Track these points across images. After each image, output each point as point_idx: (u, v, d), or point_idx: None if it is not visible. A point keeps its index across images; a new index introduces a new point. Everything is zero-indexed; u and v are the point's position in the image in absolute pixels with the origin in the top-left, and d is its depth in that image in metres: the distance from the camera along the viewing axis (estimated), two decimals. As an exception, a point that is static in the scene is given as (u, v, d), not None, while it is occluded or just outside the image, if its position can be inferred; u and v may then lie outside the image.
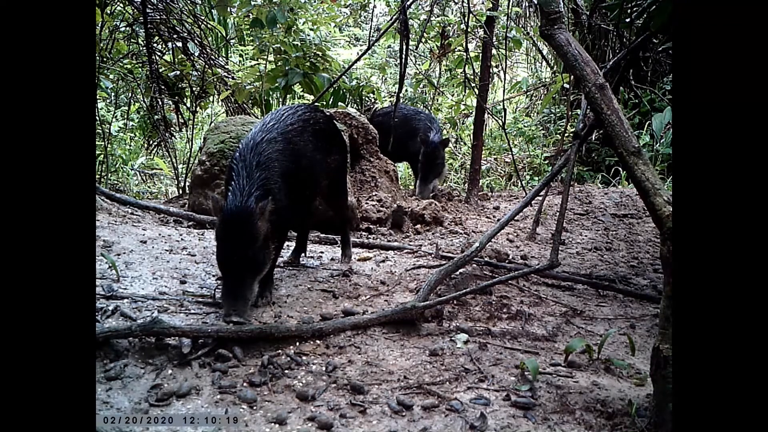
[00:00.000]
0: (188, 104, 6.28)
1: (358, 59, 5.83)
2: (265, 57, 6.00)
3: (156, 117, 5.99)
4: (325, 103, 6.60)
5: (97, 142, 5.02)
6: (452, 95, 8.00)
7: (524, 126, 7.63)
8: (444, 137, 5.71)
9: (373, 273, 3.00)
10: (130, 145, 6.27)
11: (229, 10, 6.22)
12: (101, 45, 5.43)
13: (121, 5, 5.66)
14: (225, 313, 2.21)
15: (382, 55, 8.51)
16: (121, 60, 6.01)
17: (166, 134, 6.01)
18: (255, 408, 1.74)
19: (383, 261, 3.27)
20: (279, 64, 5.90)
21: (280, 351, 2.07)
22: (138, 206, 4.15)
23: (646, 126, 6.60)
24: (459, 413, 1.72)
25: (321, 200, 3.16)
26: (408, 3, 5.29)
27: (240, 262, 2.27)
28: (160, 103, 5.75)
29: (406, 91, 7.59)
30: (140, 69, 6.04)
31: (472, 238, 3.90)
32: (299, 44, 5.85)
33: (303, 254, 3.21)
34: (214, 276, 2.78)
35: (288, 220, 2.61)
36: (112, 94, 6.59)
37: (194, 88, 5.91)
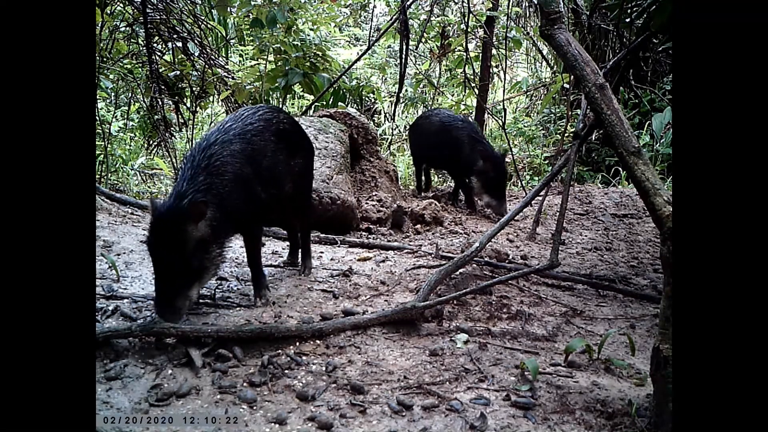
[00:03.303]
0: (188, 104, 6.28)
1: (358, 59, 5.84)
2: (265, 57, 6.00)
3: (156, 117, 5.99)
4: (325, 103, 6.61)
5: (97, 142, 5.02)
6: (452, 95, 8.01)
7: (524, 126, 7.63)
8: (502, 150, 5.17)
9: (373, 273, 3.00)
10: (130, 145, 6.26)
11: (229, 10, 6.22)
12: (101, 45, 5.43)
13: (121, 5, 5.66)
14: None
15: (382, 55, 8.52)
16: (121, 60, 6.01)
17: (166, 134, 6.01)
18: (255, 408, 1.74)
19: (383, 261, 3.27)
20: (279, 64, 5.91)
21: (280, 351, 2.07)
22: (138, 206, 4.15)
23: (646, 126, 6.60)
24: (459, 413, 1.72)
25: (286, 206, 2.91)
26: (408, 3, 5.30)
27: (171, 269, 2.12)
28: (160, 103, 5.75)
29: (406, 91, 7.60)
30: (140, 69, 6.03)
31: (472, 238, 3.90)
32: (299, 44, 5.86)
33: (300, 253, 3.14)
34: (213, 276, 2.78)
35: (248, 222, 2.50)
36: (112, 94, 6.59)
37: (194, 88, 5.91)
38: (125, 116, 6.45)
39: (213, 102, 7.26)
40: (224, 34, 7.19)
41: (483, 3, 7.18)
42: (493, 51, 6.17)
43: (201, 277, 2.24)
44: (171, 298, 2.12)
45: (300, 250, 3.06)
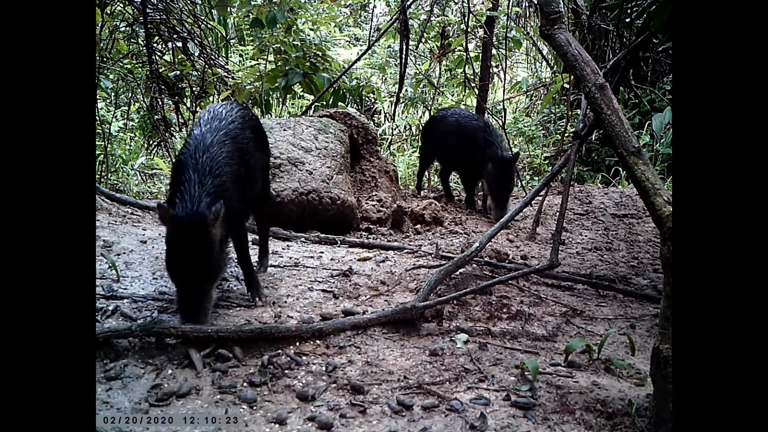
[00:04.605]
0: (188, 104, 6.28)
1: (358, 59, 5.84)
2: (265, 57, 6.01)
3: (156, 117, 5.99)
4: (325, 103, 6.61)
5: (97, 142, 5.02)
6: (452, 95, 8.01)
7: (524, 126, 7.63)
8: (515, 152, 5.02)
9: (373, 273, 3.00)
10: (130, 145, 6.26)
11: (229, 10, 6.22)
12: (101, 45, 5.43)
13: (121, 5, 5.66)
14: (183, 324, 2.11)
15: (382, 55, 8.52)
16: (121, 60, 6.01)
17: (166, 134, 6.01)
18: (255, 408, 1.74)
19: (383, 261, 3.26)
20: (279, 64, 5.91)
21: (280, 351, 2.07)
22: (138, 206, 4.14)
23: (646, 126, 6.60)
24: (459, 413, 1.72)
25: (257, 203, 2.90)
26: (408, 3, 5.30)
27: (197, 272, 2.15)
28: (160, 103, 5.74)
29: (406, 91, 7.60)
30: (140, 69, 6.03)
31: (472, 238, 3.90)
32: (299, 44, 5.86)
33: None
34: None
35: (243, 222, 2.55)
36: (112, 94, 6.59)
37: (194, 88, 5.91)
38: (125, 116, 6.45)
39: (213, 102, 7.26)
40: (224, 34, 7.19)
41: (483, 3, 7.19)
42: (493, 51, 6.18)
43: (217, 279, 2.30)
44: (199, 300, 2.16)
45: (260, 247, 3.02)
